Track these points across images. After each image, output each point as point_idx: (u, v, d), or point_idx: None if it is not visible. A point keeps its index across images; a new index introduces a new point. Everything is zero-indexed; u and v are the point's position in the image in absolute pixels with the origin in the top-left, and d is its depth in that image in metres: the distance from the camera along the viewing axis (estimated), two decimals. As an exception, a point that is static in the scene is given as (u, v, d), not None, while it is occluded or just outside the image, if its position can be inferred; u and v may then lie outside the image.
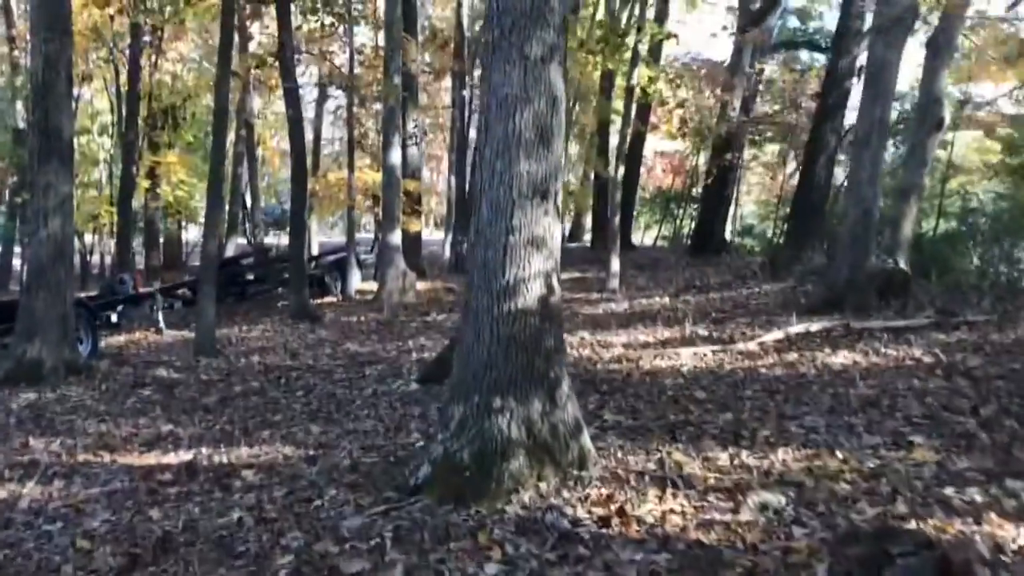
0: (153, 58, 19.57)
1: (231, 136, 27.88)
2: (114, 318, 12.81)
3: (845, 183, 14.59)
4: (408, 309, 13.82)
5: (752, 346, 8.30)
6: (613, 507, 4.14)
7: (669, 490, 4.39)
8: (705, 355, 8.13)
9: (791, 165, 20.60)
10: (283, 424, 6.75)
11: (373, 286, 17.23)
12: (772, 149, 22.50)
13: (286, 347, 10.59)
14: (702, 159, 22.30)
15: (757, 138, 19.19)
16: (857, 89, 15.29)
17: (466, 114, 21.24)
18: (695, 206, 24.26)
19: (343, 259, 16.63)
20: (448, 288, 16.43)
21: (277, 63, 13.49)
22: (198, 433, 6.74)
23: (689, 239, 22.86)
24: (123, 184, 18.57)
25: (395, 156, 14.94)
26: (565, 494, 4.35)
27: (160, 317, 13.11)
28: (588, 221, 27.30)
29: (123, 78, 19.75)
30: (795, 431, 5.45)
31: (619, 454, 5.03)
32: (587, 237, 28.15)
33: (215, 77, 10.83)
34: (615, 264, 14.63)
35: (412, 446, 5.68)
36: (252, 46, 22.06)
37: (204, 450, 6.12)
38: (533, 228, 4.55)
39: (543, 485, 4.43)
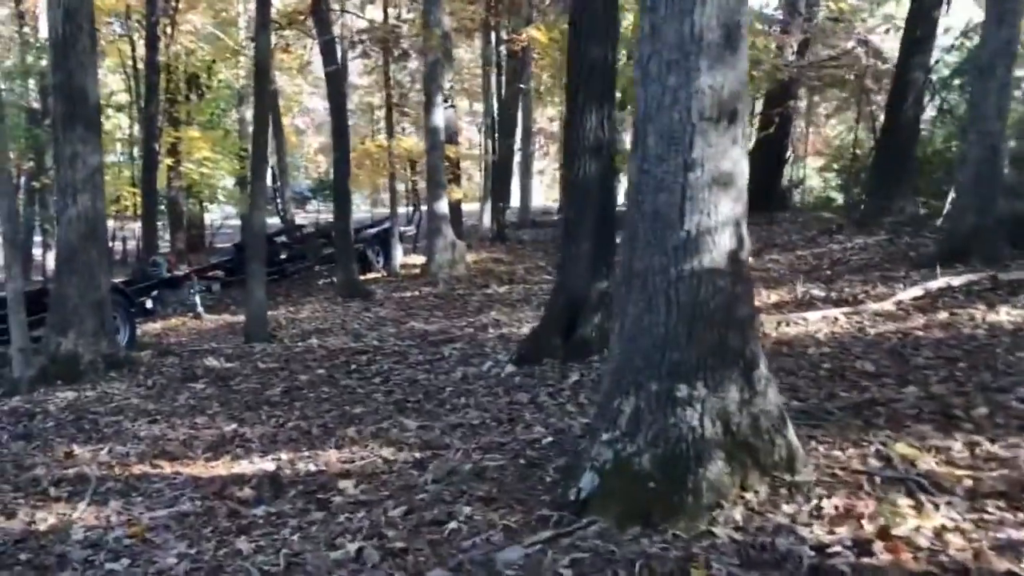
0: (169, 30, 18.48)
1: (249, 113, 26.95)
2: (149, 304, 11.88)
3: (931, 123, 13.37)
4: (462, 282, 12.80)
5: (888, 306, 7.22)
6: (867, 526, 3.11)
7: (921, 496, 3.34)
8: (836, 319, 7.06)
9: (859, 112, 19.27)
10: (368, 419, 5.75)
11: (417, 260, 16.24)
12: (832, 96, 21.11)
13: (344, 328, 9.60)
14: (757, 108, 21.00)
15: (817, 83, 17.86)
16: (944, 20, 14.11)
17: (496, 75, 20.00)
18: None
19: (386, 232, 15.59)
20: (497, 259, 15.37)
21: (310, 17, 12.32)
22: (268, 433, 5.75)
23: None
24: (146, 162, 17.49)
25: (439, 117, 13.86)
26: (786, 508, 3.31)
27: (198, 301, 12.17)
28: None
29: (139, 51, 18.64)
30: (1017, 406, 4.39)
31: (820, 448, 3.99)
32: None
33: (254, 26, 9.66)
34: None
35: (539, 444, 4.67)
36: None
37: (283, 455, 5.13)
38: (719, 162, 3.48)
39: (750, 496, 3.40)
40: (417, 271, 14.56)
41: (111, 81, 23.91)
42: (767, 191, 18.27)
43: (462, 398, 5.92)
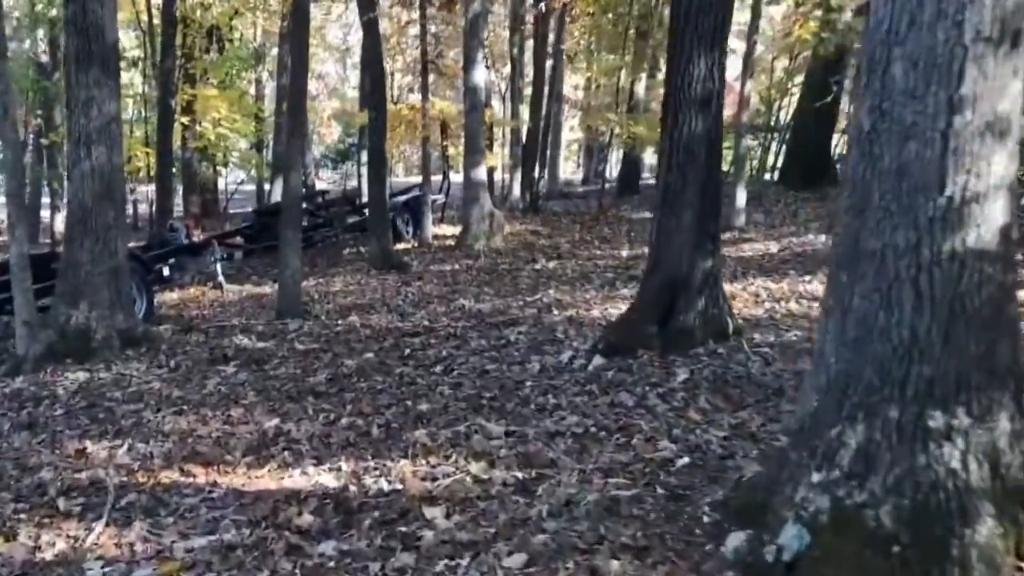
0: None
1: (266, 71, 25.86)
2: (165, 271, 10.93)
3: None
4: (503, 255, 11.80)
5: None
6: None
7: None
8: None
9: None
10: (439, 418, 4.79)
11: (448, 230, 15.25)
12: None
13: (386, 304, 8.61)
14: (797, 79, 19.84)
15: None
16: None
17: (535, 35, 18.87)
18: (770, 136, 21.94)
19: (416, 200, 14.57)
20: (534, 231, 14.35)
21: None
22: (319, 432, 4.80)
23: (778, 170, 20.57)
24: (161, 120, 16.46)
25: (479, 76, 12.81)
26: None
27: (219, 269, 11.21)
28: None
29: (155, 0, 17.54)
30: None
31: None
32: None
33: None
34: (741, 197, 12.47)
35: (673, 465, 3.71)
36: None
37: (343, 465, 4.18)
38: (996, 102, 2.49)
39: (1030, 567, 2.45)
40: (451, 242, 13.55)
41: (123, 39, 22.84)
42: (824, 165, 17.25)
43: (549, 396, 4.95)
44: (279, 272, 8.16)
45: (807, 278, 8.01)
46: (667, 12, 19.71)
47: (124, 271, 7.25)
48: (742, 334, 5.74)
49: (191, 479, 4.23)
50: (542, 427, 4.40)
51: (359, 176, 21.05)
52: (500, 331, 6.84)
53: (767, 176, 21.32)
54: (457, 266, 11.02)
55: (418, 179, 23.35)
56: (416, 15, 14.24)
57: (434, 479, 3.86)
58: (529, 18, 20.65)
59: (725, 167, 25.65)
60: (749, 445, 3.85)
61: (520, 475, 3.76)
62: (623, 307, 7.37)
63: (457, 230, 14.73)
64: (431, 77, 16.03)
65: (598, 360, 5.48)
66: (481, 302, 8.29)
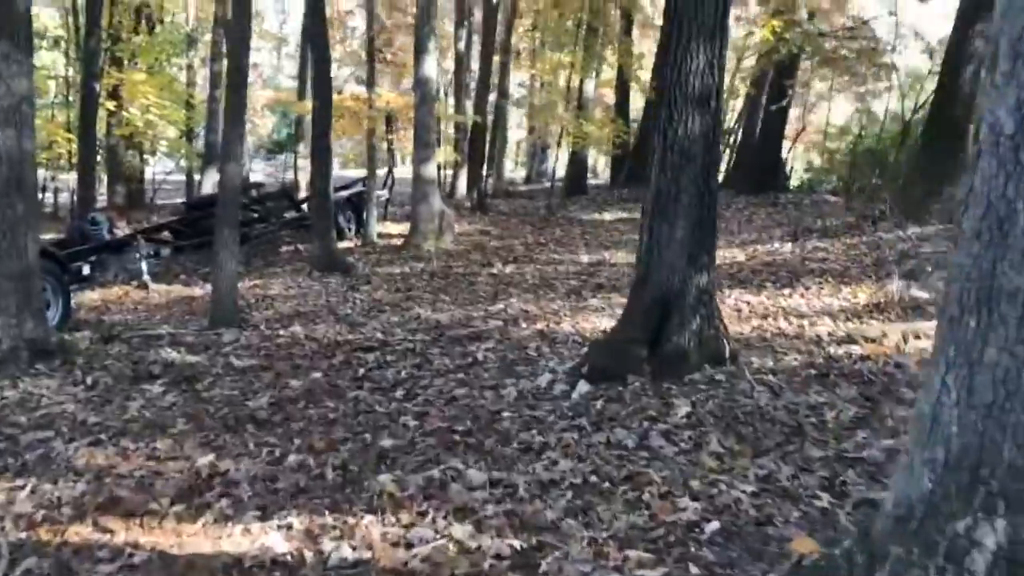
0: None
1: (200, 55, 24.57)
2: (85, 270, 9.98)
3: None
4: (455, 258, 11.11)
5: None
6: None
7: None
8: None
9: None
10: (405, 459, 4.09)
11: (393, 228, 14.51)
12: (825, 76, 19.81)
13: (332, 311, 7.84)
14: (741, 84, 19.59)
15: (839, 54, 16.39)
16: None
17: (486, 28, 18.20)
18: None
19: (360, 195, 13.78)
20: (484, 232, 13.69)
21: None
22: (263, 472, 4.06)
23: (729, 175, 20.28)
24: (84, 105, 15.32)
25: (430, 67, 12.09)
26: None
27: (144, 268, 10.29)
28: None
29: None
30: None
31: None
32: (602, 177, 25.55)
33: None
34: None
35: (701, 533, 3.10)
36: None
37: (294, 519, 3.46)
38: None
39: None
40: (397, 241, 12.81)
41: (44, 17, 21.46)
42: (773, 168, 16.97)
43: (534, 431, 4.29)
44: (213, 276, 7.33)
45: (786, 291, 7.52)
46: (616, 11, 19.39)
47: (35, 272, 6.35)
48: (739, 358, 5.17)
49: (107, 536, 3.48)
50: (532, 475, 3.74)
51: (296, 168, 20.15)
52: (465, 347, 6.16)
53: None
54: (407, 269, 10.30)
55: (356, 172, 22.51)
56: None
57: (409, 545, 3.17)
58: (476, 11, 20.02)
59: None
60: (787, 505, 3.25)
61: (515, 542, 3.10)
62: (596, 320, 6.79)
63: (403, 228, 14.01)
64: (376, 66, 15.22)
65: (583, 386, 4.85)
66: (438, 311, 7.59)
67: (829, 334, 5.89)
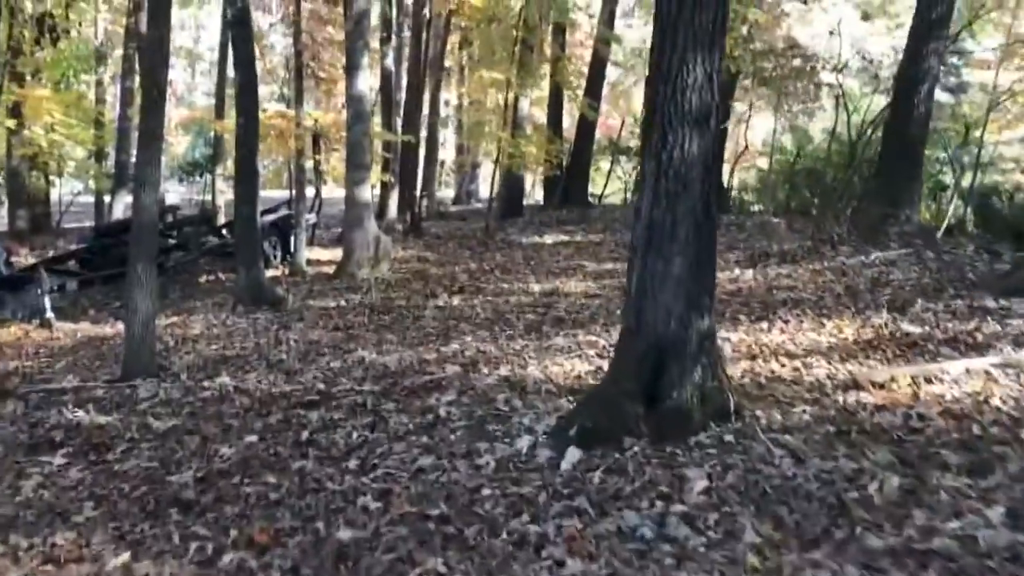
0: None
1: (110, 72, 23.18)
2: (-22, 308, 8.90)
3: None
4: (394, 287, 10.30)
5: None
6: None
7: None
8: (988, 372, 5.11)
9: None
10: (368, 557, 3.33)
11: (323, 254, 13.64)
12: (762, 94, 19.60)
13: (263, 356, 6.95)
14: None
15: (774, 73, 16.14)
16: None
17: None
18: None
19: (287, 219, 12.87)
20: (421, 258, 12.90)
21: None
22: (191, 581, 3.25)
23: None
24: (-19, 124, 14.12)
25: (363, 83, 11.33)
26: None
27: (47, 303, 9.23)
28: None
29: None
30: None
31: None
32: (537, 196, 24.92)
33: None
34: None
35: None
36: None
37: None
38: None
39: None
40: (328, 269, 11.94)
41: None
42: (716, 190, 16.59)
43: (525, 518, 3.54)
44: (126, 319, 6.36)
45: (764, 325, 6.95)
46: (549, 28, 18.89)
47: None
48: (743, 413, 4.53)
49: None
50: (534, 581, 3.01)
51: (214, 191, 19.04)
52: (423, 399, 5.38)
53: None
54: (343, 301, 9.44)
55: (277, 193, 21.46)
56: (289, 9, 12.52)
57: None
58: (406, 27, 19.28)
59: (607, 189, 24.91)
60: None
61: None
62: (565, 363, 6.10)
63: (333, 254, 13.17)
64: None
65: (574, 453, 4.13)
66: (385, 353, 6.79)
67: (829, 377, 5.31)
